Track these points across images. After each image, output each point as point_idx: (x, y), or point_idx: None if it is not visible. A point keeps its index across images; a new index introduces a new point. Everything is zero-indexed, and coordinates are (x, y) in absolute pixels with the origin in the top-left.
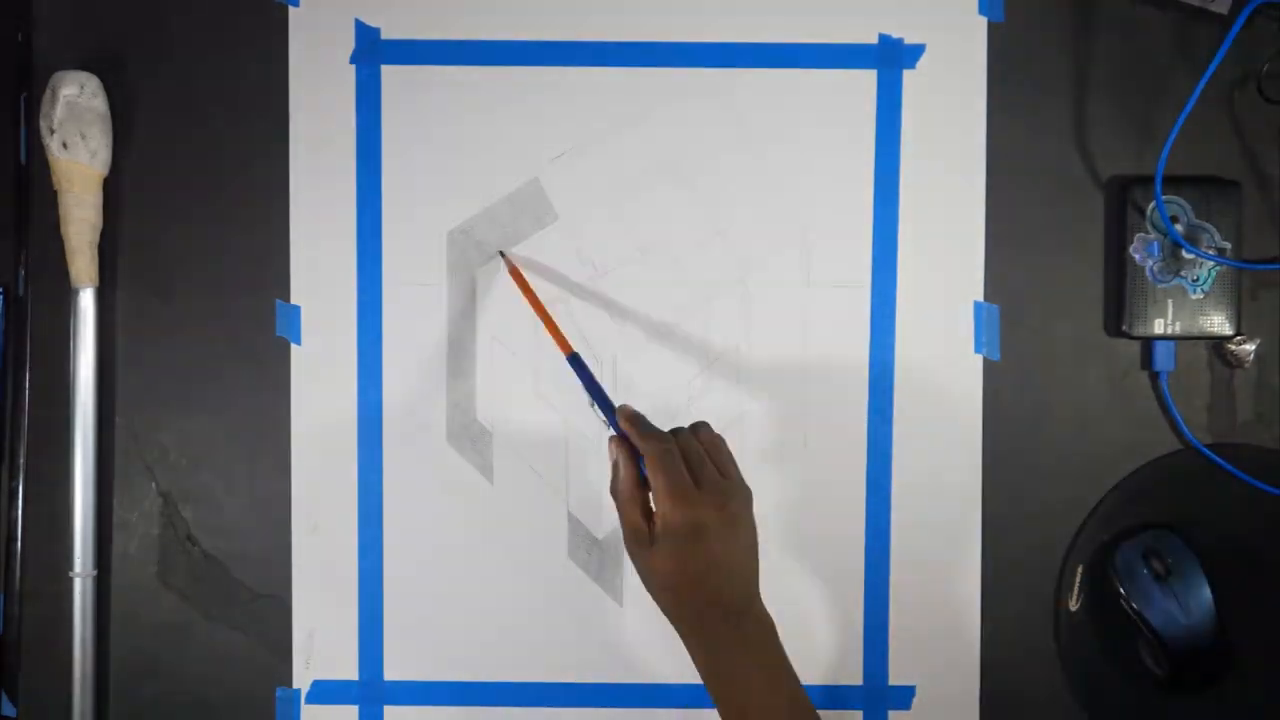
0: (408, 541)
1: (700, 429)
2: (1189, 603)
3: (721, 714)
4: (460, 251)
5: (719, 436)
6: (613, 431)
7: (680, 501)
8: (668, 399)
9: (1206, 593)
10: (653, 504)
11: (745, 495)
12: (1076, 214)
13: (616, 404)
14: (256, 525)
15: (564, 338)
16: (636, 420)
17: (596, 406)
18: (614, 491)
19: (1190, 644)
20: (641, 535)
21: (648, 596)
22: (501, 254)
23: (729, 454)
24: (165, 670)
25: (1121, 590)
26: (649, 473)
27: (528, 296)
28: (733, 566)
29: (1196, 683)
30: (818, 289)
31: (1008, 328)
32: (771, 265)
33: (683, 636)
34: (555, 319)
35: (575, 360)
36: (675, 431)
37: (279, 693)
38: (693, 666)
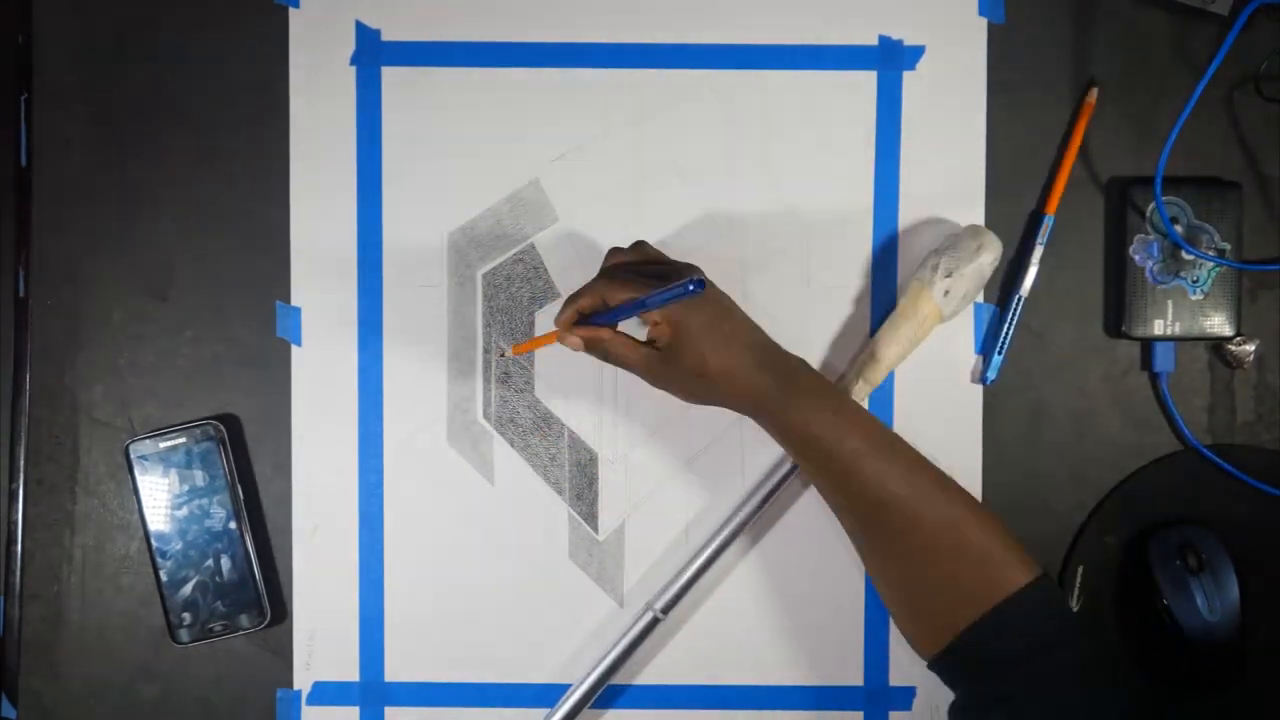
0: (408, 542)
1: (629, 250)
2: (1215, 600)
3: (830, 474)
4: (460, 251)
5: (641, 242)
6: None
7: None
8: (667, 400)
9: (1234, 592)
10: (653, 331)
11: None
12: (1076, 215)
13: (560, 319)
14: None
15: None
16: (578, 298)
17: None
18: (610, 355)
19: (1209, 642)
20: (663, 357)
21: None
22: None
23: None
24: (166, 671)
25: (1155, 577)
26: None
27: (539, 343)
28: (746, 315)
29: (1208, 681)
30: (818, 289)
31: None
32: (771, 265)
33: (760, 413)
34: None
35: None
36: (616, 258)
37: (280, 694)
38: (693, 667)
